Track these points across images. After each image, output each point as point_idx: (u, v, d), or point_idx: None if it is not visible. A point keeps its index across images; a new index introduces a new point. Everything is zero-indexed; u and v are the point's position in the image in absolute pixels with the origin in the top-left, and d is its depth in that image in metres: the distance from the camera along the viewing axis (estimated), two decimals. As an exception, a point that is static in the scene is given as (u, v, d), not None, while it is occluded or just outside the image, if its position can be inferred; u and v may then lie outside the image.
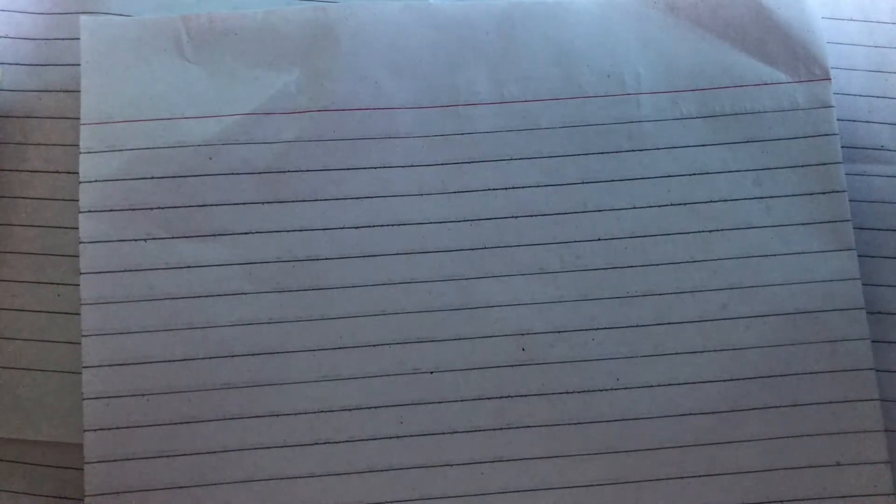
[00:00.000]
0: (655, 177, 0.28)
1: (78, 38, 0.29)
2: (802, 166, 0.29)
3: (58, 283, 0.29)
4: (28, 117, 0.30)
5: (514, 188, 0.28)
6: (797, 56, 0.29)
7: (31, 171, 0.30)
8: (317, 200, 0.28)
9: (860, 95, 0.31)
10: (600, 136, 0.29)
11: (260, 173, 0.28)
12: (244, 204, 0.28)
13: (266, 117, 0.28)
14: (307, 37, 0.29)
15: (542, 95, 0.29)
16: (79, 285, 0.27)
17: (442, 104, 0.29)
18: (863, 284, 0.28)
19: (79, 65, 0.28)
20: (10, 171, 0.30)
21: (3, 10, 0.31)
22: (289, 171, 0.28)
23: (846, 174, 0.29)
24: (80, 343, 0.27)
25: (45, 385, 0.28)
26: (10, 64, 0.31)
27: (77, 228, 0.27)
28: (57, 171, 0.30)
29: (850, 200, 0.28)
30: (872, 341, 0.28)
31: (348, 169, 0.28)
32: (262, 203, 0.28)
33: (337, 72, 0.29)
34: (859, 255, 0.28)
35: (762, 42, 0.29)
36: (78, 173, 0.27)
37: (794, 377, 0.27)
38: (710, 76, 0.29)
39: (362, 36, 0.29)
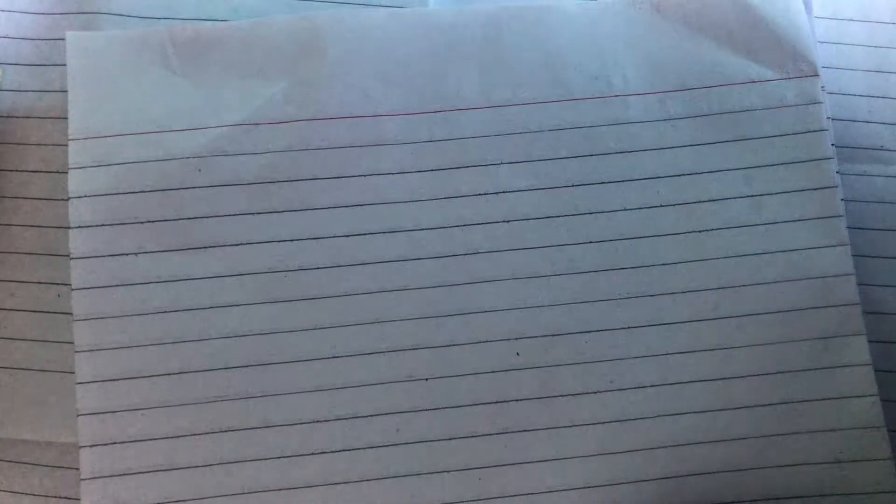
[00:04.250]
0: (645, 178, 0.28)
1: None
2: (793, 163, 0.28)
3: (58, 283, 0.29)
4: (28, 117, 0.30)
5: (504, 192, 0.28)
6: (784, 53, 0.29)
7: (31, 171, 0.30)
8: (307, 210, 0.28)
9: (860, 95, 0.31)
10: (589, 139, 0.29)
11: (249, 184, 0.28)
12: (234, 215, 0.28)
13: (254, 128, 0.28)
14: (294, 46, 0.29)
15: (531, 99, 0.29)
16: None
17: (430, 110, 0.29)
18: (862, 285, 0.28)
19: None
20: (10, 171, 0.30)
21: (3, 10, 0.31)
22: (278, 182, 0.28)
23: (846, 174, 0.29)
24: None
25: (45, 385, 0.28)
26: (10, 64, 0.30)
27: None
28: (57, 171, 0.30)
29: (850, 200, 0.29)
30: (871, 341, 0.27)
31: (338, 177, 0.28)
32: (253, 214, 0.28)
33: (324, 80, 0.29)
34: (859, 256, 0.28)
35: (749, 40, 0.29)
36: None
37: (791, 374, 0.27)
38: (697, 75, 0.29)
39: (349, 44, 0.29)
